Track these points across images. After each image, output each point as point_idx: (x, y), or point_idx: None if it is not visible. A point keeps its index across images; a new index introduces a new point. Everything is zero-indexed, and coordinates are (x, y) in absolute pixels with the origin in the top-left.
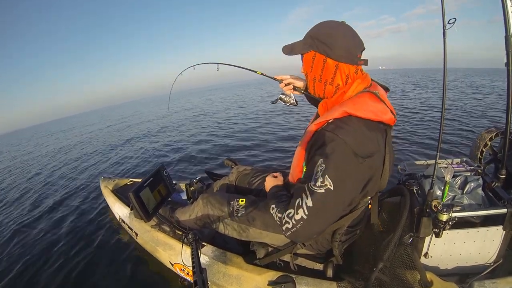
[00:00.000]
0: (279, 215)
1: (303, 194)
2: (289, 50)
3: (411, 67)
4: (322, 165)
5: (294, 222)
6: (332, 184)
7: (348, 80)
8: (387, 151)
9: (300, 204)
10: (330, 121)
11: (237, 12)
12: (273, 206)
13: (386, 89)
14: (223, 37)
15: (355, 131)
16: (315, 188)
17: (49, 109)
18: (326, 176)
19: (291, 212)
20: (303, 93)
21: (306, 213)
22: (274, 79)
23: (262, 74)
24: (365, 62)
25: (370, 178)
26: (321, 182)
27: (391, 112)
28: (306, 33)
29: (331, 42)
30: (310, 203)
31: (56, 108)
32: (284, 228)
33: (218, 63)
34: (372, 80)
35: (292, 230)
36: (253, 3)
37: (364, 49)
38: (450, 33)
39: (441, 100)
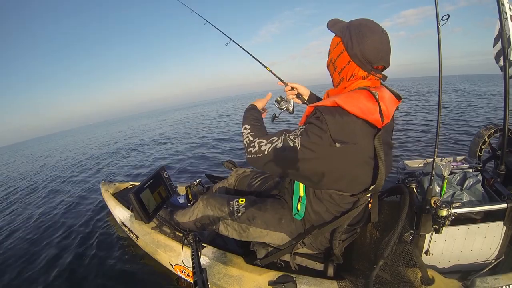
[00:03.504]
0: (251, 138)
1: (280, 137)
2: (330, 25)
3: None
4: (302, 127)
5: (258, 150)
6: (299, 145)
7: (351, 78)
8: (379, 153)
9: (273, 142)
10: (321, 106)
11: (204, 33)
12: (248, 126)
13: (398, 98)
14: (189, 56)
15: (339, 117)
16: (289, 138)
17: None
18: (300, 137)
19: (263, 141)
20: (305, 103)
21: (269, 150)
22: (281, 80)
23: (271, 71)
24: (383, 78)
25: (343, 170)
26: (293, 137)
27: (382, 114)
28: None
29: (357, 40)
30: (278, 146)
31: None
32: (248, 150)
33: (230, 39)
34: (383, 85)
35: (253, 155)
36: (224, 21)
37: (385, 67)
38: (420, 46)
39: (437, 99)
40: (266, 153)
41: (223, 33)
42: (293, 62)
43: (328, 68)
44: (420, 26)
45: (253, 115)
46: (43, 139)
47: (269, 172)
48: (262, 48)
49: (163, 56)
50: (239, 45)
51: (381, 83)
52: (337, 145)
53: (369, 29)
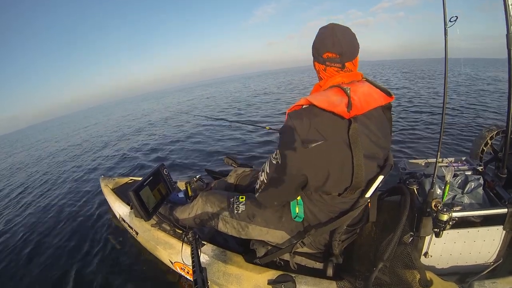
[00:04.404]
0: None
1: (267, 161)
2: None
3: (379, 59)
4: (279, 140)
5: (259, 183)
6: (279, 159)
7: (321, 75)
8: (354, 146)
9: (264, 168)
10: (302, 106)
11: (200, 11)
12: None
13: (388, 94)
14: (184, 39)
15: (306, 119)
16: (272, 158)
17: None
18: (278, 150)
19: (260, 172)
20: None
21: (266, 178)
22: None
23: (270, 128)
24: (342, 66)
25: (323, 169)
26: (275, 155)
27: (350, 106)
28: None
29: (313, 41)
30: (267, 170)
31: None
32: (256, 188)
33: (231, 121)
34: (366, 80)
35: (259, 192)
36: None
37: (339, 52)
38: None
39: (442, 98)
40: (265, 181)
41: (227, 120)
42: (291, 42)
43: None
44: (418, 7)
45: None
46: (39, 126)
47: (277, 202)
48: (259, 28)
49: (155, 37)
50: (235, 121)
51: (367, 80)
52: (309, 145)
53: (321, 28)
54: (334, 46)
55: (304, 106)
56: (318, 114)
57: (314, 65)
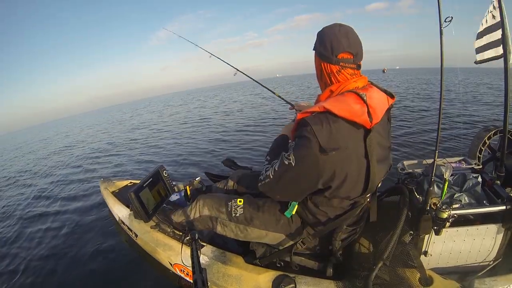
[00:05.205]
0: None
1: (279, 159)
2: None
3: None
4: (293, 143)
5: (264, 176)
6: (294, 160)
7: (332, 79)
8: (370, 154)
9: (273, 164)
10: (312, 113)
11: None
12: (268, 158)
13: (391, 96)
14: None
15: (326, 125)
16: (284, 157)
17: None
18: (292, 153)
19: (268, 166)
20: None
21: (273, 174)
22: (289, 103)
23: (279, 96)
24: (357, 67)
25: (340, 175)
26: (288, 155)
27: (370, 115)
28: None
29: (319, 41)
30: (276, 167)
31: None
32: (259, 179)
33: (237, 70)
34: (371, 84)
35: (261, 182)
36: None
37: (355, 52)
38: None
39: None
40: (271, 176)
41: (231, 65)
42: (187, 65)
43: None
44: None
45: (275, 144)
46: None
47: (280, 197)
48: (158, 51)
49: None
50: (245, 75)
51: (372, 83)
52: (329, 153)
53: (327, 28)
54: (350, 46)
55: (317, 112)
56: (336, 121)
57: (324, 68)
